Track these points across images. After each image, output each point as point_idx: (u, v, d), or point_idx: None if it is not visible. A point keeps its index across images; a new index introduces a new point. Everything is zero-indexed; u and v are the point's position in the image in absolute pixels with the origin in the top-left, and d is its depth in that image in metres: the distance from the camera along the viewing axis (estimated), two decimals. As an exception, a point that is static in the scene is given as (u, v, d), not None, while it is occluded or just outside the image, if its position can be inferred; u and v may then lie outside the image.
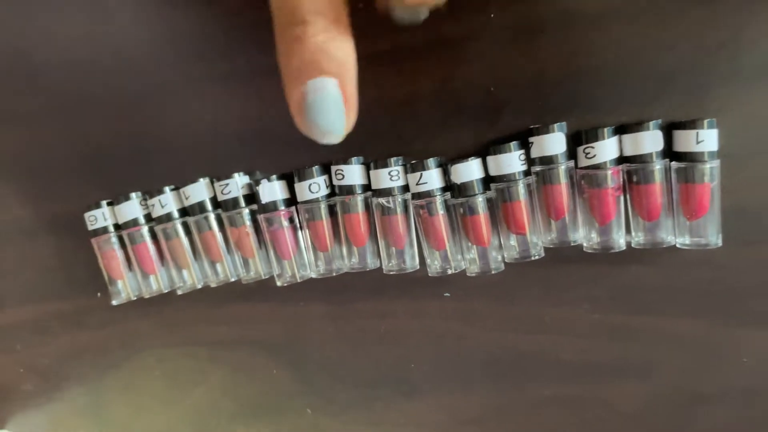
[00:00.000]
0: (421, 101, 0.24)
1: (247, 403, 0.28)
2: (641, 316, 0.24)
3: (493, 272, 0.24)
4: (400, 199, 0.24)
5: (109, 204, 0.27)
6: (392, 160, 0.24)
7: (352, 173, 0.24)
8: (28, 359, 0.30)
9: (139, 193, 0.27)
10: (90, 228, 0.27)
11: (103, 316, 0.29)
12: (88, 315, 0.29)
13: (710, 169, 0.21)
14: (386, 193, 0.24)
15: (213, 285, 0.27)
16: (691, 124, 0.21)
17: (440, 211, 0.24)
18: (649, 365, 0.24)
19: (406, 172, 0.24)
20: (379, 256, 0.25)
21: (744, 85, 0.21)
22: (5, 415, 0.32)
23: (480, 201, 0.23)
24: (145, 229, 0.27)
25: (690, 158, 0.21)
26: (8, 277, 0.29)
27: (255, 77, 0.25)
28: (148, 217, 0.27)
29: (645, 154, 0.22)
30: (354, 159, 0.24)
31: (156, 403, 0.29)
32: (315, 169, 0.24)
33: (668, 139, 0.22)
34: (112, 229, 0.27)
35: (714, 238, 0.22)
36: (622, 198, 0.23)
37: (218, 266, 0.27)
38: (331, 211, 0.25)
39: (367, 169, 0.24)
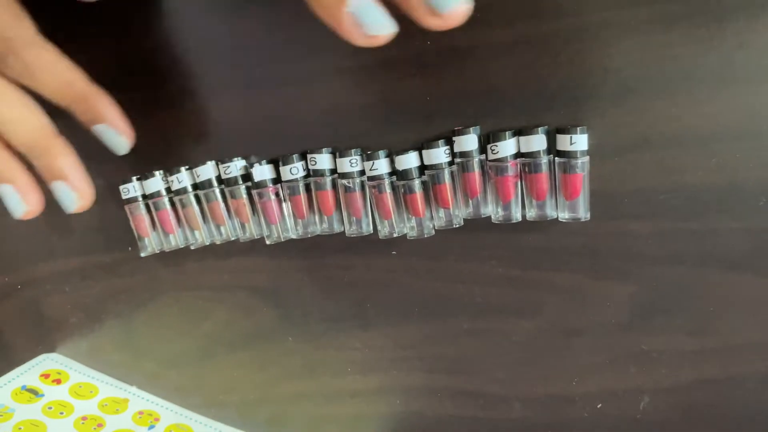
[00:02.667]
0: (375, 107, 0.31)
1: (243, 334, 0.37)
2: (533, 270, 0.31)
3: (426, 236, 0.32)
4: (358, 181, 0.32)
5: (138, 179, 0.35)
6: (352, 151, 0.31)
7: (323, 160, 0.32)
8: (74, 298, 0.39)
9: (162, 172, 0.35)
10: (123, 197, 0.35)
11: (134, 265, 0.37)
12: (121, 265, 0.37)
13: (581, 163, 0.29)
14: (348, 175, 0.32)
15: (218, 242, 0.35)
16: (567, 130, 0.29)
17: (387, 190, 0.32)
18: (537, 307, 0.32)
19: (363, 160, 0.32)
20: (342, 223, 0.33)
21: (611, 100, 0.28)
22: (55, 342, 0.40)
23: (416, 183, 0.31)
24: (166, 199, 0.35)
25: (567, 155, 0.29)
26: (60, 234, 0.38)
27: (256, 88, 0.32)
28: (168, 190, 0.35)
29: (535, 151, 0.29)
30: (324, 149, 0.32)
31: (173, 333, 0.38)
32: (295, 156, 0.32)
33: (553, 140, 0.30)
34: (140, 198, 0.35)
35: (584, 213, 0.30)
36: (519, 183, 0.30)
37: (222, 228, 0.35)
38: (307, 188, 0.33)
39: (334, 157, 0.32)
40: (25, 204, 0.28)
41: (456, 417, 0.35)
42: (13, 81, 0.26)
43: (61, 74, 0.26)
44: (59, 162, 0.27)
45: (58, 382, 0.37)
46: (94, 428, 0.35)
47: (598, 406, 0.32)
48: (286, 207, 0.33)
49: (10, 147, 0.27)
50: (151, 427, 0.36)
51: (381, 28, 0.20)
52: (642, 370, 0.31)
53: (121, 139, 0.28)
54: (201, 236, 0.35)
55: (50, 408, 0.35)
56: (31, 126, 0.27)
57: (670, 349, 0.31)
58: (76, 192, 0.28)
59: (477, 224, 0.32)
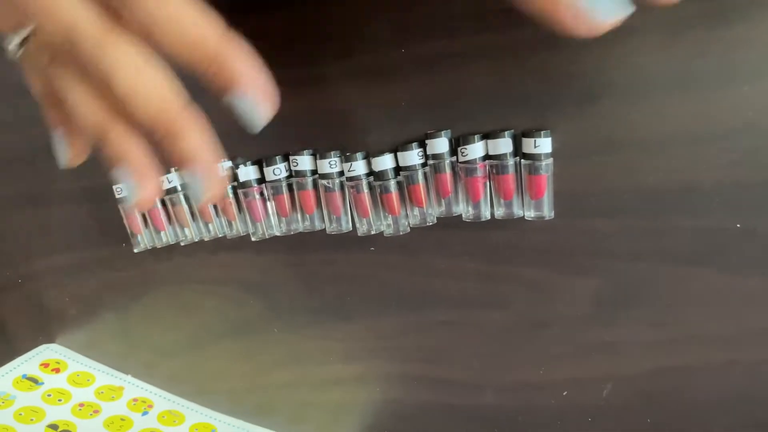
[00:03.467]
0: (354, 112, 0.33)
1: (232, 325, 0.39)
2: (502, 265, 0.33)
3: (402, 233, 0.34)
4: (337, 181, 0.34)
5: (130, 179, 0.37)
6: (332, 153, 0.33)
7: (304, 162, 0.34)
8: (73, 291, 0.41)
9: (153, 172, 0.37)
10: (117, 196, 0.37)
11: (128, 261, 0.39)
12: (117, 260, 0.39)
13: (545, 165, 0.31)
14: (328, 176, 0.34)
15: (206, 239, 0.37)
16: (531, 133, 0.30)
17: (365, 190, 0.33)
18: (507, 300, 0.34)
19: (342, 161, 0.33)
20: (323, 221, 0.35)
21: (577, 105, 0.30)
22: (55, 333, 0.43)
23: (392, 183, 0.33)
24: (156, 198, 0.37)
25: (532, 157, 0.31)
26: (59, 231, 0.40)
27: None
28: (160, 189, 0.37)
29: (502, 154, 0.31)
30: (305, 151, 0.34)
31: (166, 324, 0.40)
32: (278, 158, 0.34)
33: (520, 144, 0.31)
34: (133, 197, 0.37)
35: (548, 212, 0.31)
36: (488, 183, 0.32)
37: (210, 226, 0.37)
38: (290, 188, 0.35)
39: (315, 158, 0.34)
40: (141, 191, 0.23)
41: (432, 403, 0.37)
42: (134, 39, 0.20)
43: (188, 28, 0.20)
44: (189, 143, 0.22)
45: (57, 371, 0.39)
46: (91, 414, 0.37)
47: (564, 393, 0.34)
48: (270, 206, 0.35)
49: (132, 121, 0.22)
50: (145, 413, 0.38)
51: (611, 12, 0.18)
52: (605, 359, 0.33)
53: (260, 110, 0.22)
54: (190, 233, 0.37)
55: (49, 395, 0.37)
56: (159, 96, 0.21)
57: (632, 339, 0.33)
58: (206, 180, 0.22)
59: (449, 222, 0.33)
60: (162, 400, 0.40)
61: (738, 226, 0.30)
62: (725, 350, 0.32)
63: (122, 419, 0.37)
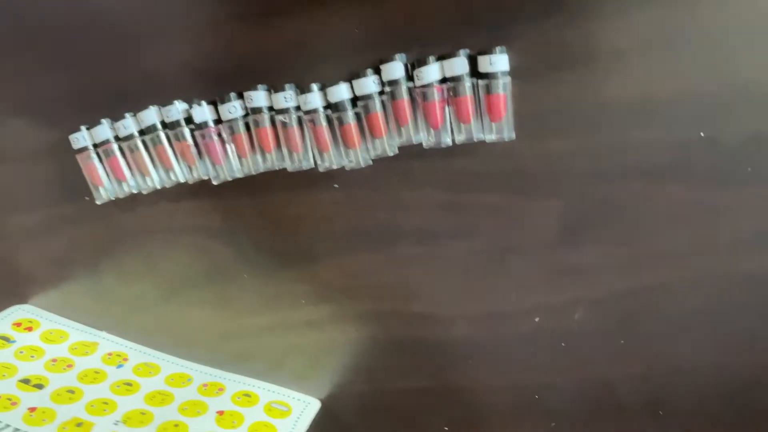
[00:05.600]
0: (307, 43, 0.32)
1: (201, 273, 0.38)
2: (466, 194, 0.32)
3: (363, 167, 0.33)
4: (294, 116, 0.33)
5: (87, 128, 0.36)
6: (286, 86, 0.32)
7: (259, 98, 0.33)
8: (42, 250, 0.40)
9: (109, 120, 0.36)
10: (74, 147, 0.36)
11: (92, 214, 0.38)
12: (82, 214, 0.39)
13: (503, 83, 0.30)
14: (284, 111, 0.33)
15: (168, 186, 0.36)
16: (486, 51, 0.29)
17: (323, 123, 0.33)
18: (473, 229, 0.33)
19: (297, 95, 0.33)
20: (284, 159, 0.34)
21: (533, 21, 0.29)
22: (28, 294, 0.42)
23: (350, 114, 0.32)
24: (115, 146, 0.36)
25: (488, 76, 0.30)
26: (20, 189, 0.39)
27: (192, 31, 0.33)
28: (117, 138, 0.36)
29: (458, 75, 0.30)
30: (260, 86, 0.33)
31: (136, 276, 0.39)
32: (232, 95, 0.33)
33: (476, 64, 0.30)
34: (90, 147, 0.36)
35: (509, 133, 0.31)
36: (447, 108, 0.31)
37: (170, 172, 0.36)
38: (247, 127, 0.34)
39: (270, 94, 0.33)
40: None
41: (405, 338, 0.36)
42: None
43: None
44: None
45: (29, 329, 0.39)
46: (64, 368, 0.37)
47: (536, 320, 0.34)
48: (230, 148, 0.34)
49: None
50: (120, 366, 0.38)
51: None
52: (575, 282, 0.33)
53: None
54: (151, 181, 0.36)
55: (22, 352, 0.37)
56: None
57: (600, 260, 0.32)
58: None
59: (411, 153, 0.32)
60: (137, 353, 0.39)
61: (702, 135, 0.29)
62: (695, 265, 0.31)
63: (96, 372, 0.37)
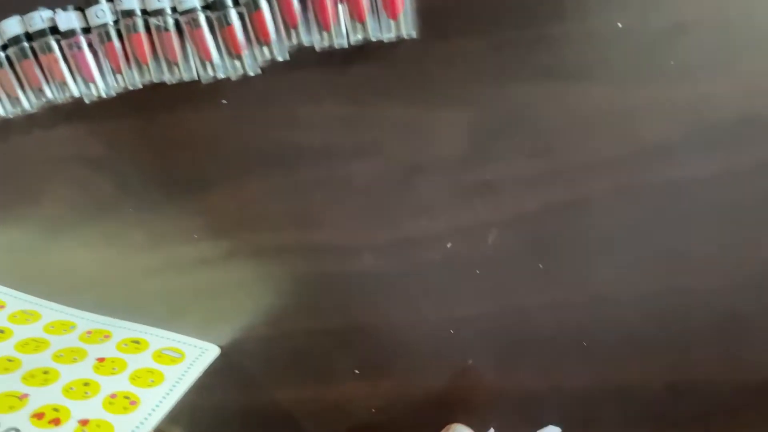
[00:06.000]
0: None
1: (82, 209, 0.33)
2: (368, 107, 0.29)
3: (251, 74, 0.29)
4: (170, 19, 0.29)
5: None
6: (160, -16, 0.28)
7: (130, -1, 0.29)
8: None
9: (-36, 32, 0.31)
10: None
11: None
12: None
13: (399, -27, 0.27)
14: (158, 12, 0.29)
15: (36, 109, 0.32)
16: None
17: (203, 24, 0.29)
18: (376, 145, 0.30)
19: (173, -5, 0.29)
20: (163, 71, 0.30)
21: None
22: None
23: (232, 13, 0.28)
24: (-27, 63, 0.32)
25: (381, -36, 0.27)
26: None
27: None
28: (-22, 54, 0.32)
29: (349, -36, 0.27)
30: (130, -14, 0.29)
31: (12, 218, 0.35)
32: (100, -3, 0.29)
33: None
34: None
35: (409, 30, 0.27)
36: (340, 6, 0.28)
37: (40, 93, 0.32)
38: (120, 35, 0.30)
39: (143, -5, 0.29)
40: None
41: (308, 274, 0.33)
42: None
43: None
44: None
45: None
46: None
47: (448, 246, 0.31)
48: (105, 62, 0.30)
49: None
50: (-7, 314, 0.34)
51: None
52: (487, 202, 0.30)
53: None
54: (27, 102, 0.32)
55: None
56: None
57: (512, 176, 0.29)
58: None
59: (306, 61, 0.29)
60: (15, 300, 0.35)
61: (619, 25, 0.26)
62: (616, 175, 0.29)
63: (-36, 321, 0.33)
